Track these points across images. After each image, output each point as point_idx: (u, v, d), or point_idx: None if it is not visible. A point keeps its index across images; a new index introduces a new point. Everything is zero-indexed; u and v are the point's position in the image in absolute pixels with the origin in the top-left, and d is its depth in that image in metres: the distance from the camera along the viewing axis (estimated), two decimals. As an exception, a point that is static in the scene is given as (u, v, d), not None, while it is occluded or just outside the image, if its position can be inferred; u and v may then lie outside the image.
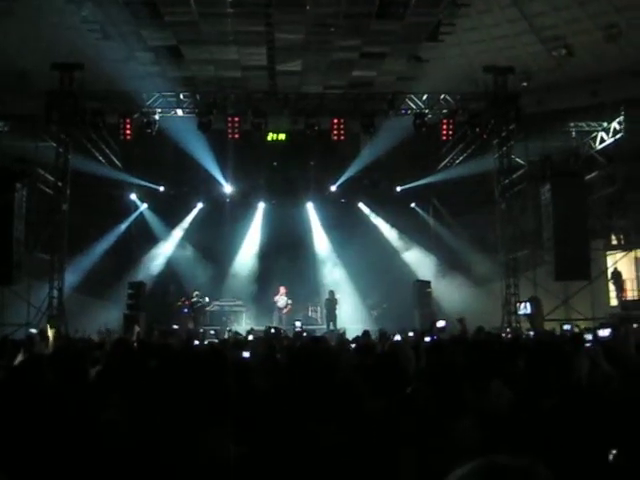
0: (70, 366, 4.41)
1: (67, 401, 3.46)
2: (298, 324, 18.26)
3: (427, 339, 10.96)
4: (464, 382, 3.79)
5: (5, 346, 10.18)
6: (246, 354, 9.36)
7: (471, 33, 18.80)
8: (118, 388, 4.19)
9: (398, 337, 12.65)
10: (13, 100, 19.33)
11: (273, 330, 14.50)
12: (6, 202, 17.89)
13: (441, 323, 16.66)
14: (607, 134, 20.01)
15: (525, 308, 18.53)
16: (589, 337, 9.61)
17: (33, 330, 17.17)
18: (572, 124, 19.96)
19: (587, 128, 20.21)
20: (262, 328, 17.64)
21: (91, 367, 5.21)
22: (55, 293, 18.34)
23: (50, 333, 14.97)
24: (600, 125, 20.11)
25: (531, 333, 15.85)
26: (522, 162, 20.00)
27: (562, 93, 20.09)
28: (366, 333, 13.04)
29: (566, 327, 15.90)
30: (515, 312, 18.73)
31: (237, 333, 15.62)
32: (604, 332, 10.05)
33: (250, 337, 13.86)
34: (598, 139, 20.32)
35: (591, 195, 19.93)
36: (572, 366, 4.51)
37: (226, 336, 15.41)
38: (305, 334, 14.22)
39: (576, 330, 15.14)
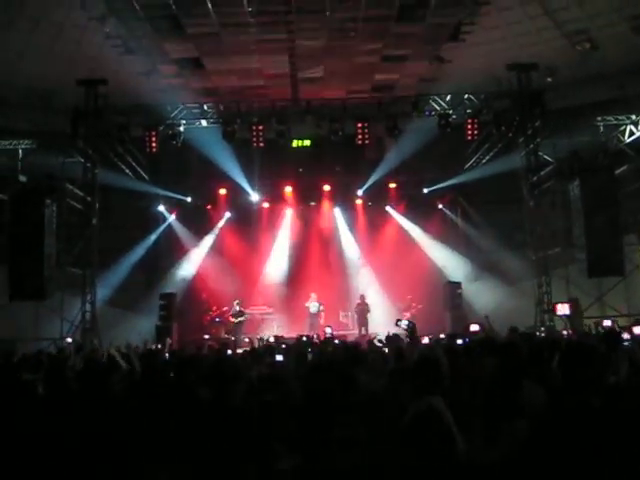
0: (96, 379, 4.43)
1: (90, 413, 3.47)
2: (329, 330, 18.24)
3: (459, 342, 10.86)
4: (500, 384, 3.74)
5: (40, 360, 10.29)
6: (279, 357, 9.39)
7: (493, 31, 18.63)
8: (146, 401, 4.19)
9: (426, 340, 12.54)
10: (39, 117, 19.62)
11: (305, 338, 14.46)
12: (37, 218, 18.15)
13: (475, 327, 16.52)
14: (636, 127, 19.71)
15: (563, 310, 18.30)
16: (626, 336, 9.42)
17: (69, 340, 17.43)
18: (599, 118, 19.66)
19: (615, 122, 19.91)
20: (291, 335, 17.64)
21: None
22: (88, 307, 18.54)
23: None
24: (628, 118, 19.81)
25: (564, 332, 15.64)
26: (550, 159, 19.77)
27: (588, 87, 19.81)
28: (395, 336, 12.93)
29: (606, 323, 15.62)
30: (548, 311, 18.50)
31: (268, 341, 15.58)
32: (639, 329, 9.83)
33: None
34: (627, 132, 20.01)
35: (622, 189, 19.60)
36: (606, 366, 4.42)
37: (256, 345, 15.38)
38: (336, 341, 14.12)
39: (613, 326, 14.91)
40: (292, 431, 3.23)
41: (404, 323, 6.69)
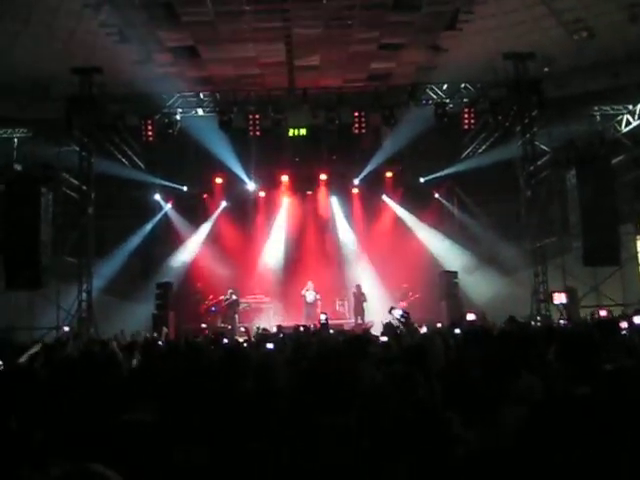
0: (98, 367, 4.42)
1: (92, 400, 3.47)
2: (323, 317, 18.33)
3: (457, 331, 10.88)
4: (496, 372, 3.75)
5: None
6: (270, 346, 9.40)
7: (490, 20, 18.55)
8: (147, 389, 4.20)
9: (424, 329, 12.56)
10: (34, 106, 19.52)
11: (302, 328, 14.48)
12: (32, 207, 18.09)
13: (471, 316, 16.59)
14: (633, 117, 19.71)
15: (560, 299, 18.34)
16: (624, 325, 9.43)
17: (66, 328, 17.45)
18: (596, 108, 19.65)
19: (612, 111, 19.90)
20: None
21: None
22: (84, 296, 18.53)
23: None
24: (625, 108, 19.81)
25: (562, 322, 15.70)
26: (546, 148, 19.75)
27: (585, 77, 19.80)
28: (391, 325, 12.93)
29: (603, 313, 15.68)
30: (545, 300, 18.55)
31: (264, 329, 15.60)
32: (639, 319, 9.82)
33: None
34: (624, 122, 20.02)
35: (618, 179, 19.62)
36: (602, 354, 4.43)
37: (253, 333, 15.40)
38: (331, 331, 14.15)
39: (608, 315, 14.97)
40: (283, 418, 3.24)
41: (398, 313, 6.68)
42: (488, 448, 2.73)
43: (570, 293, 18.49)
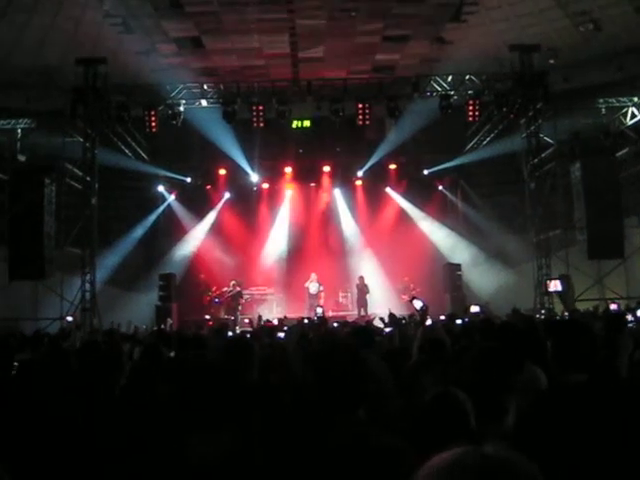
0: (100, 358, 4.42)
1: (95, 393, 3.47)
2: (319, 310, 18.39)
3: (458, 322, 10.88)
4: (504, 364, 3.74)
5: (40, 339, 10.33)
6: (281, 334, 9.45)
7: (495, 12, 18.47)
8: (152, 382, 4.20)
9: (429, 321, 12.54)
10: (38, 96, 19.47)
11: (306, 320, 14.51)
12: (36, 198, 18.10)
13: (475, 308, 16.58)
14: (638, 109, 19.63)
15: (556, 286, 18.30)
16: (630, 318, 9.42)
17: (69, 319, 17.50)
18: (601, 100, 19.58)
19: (617, 104, 19.82)
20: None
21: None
22: (87, 286, 18.53)
23: None
24: (631, 100, 19.72)
25: (566, 314, 15.67)
26: (551, 141, 19.68)
27: (590, 69, 19.67)
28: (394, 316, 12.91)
29: (613, 307, 15.65)
30: (547, 292, 18.51)
31: (267, 321, 15.65)
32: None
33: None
34: (629, 114, 19.94)
35: (623, 172, 19.56)
36: (599, 345, 4.43)
37: (256, 325, 15.44)
38: (335, 324, 14.16)
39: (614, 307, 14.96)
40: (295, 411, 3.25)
41: (418, 304, 6.66)
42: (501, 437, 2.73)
43: (566, 280, 18.41)
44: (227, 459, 2.70)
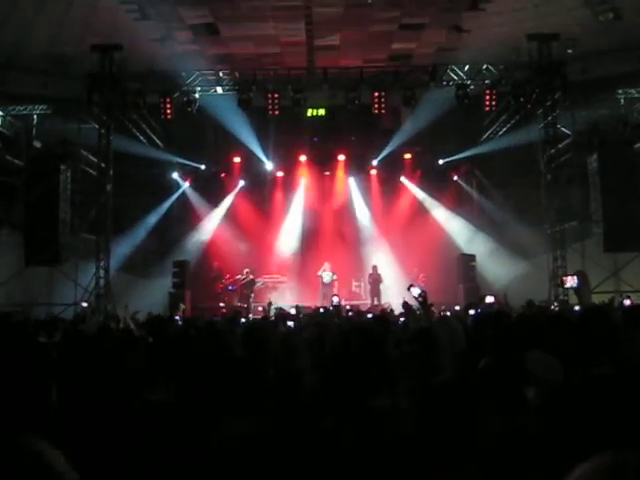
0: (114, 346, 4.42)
1: (111, 380, 3.47)
2: (336, 299, 18.36)
3: (471, 312, 10.82)
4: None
5: (56, 325, 10.38)
6: (290, 323, 9.44)
7: (513, 1, 18.29)
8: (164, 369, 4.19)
9: (447, 312, 12.54)
10: (54, 83, 19.54)
11: (322, 310, 14.50)
12: (51, 184, 18.19)
13: (490, 299, 16.51)
14: (657, 100, 19.43)
15: (572, 282, 18.19)
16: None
17: (84, 304, 17.62)
18: (620, 91, 19.37)
19: (636, 94, 19.60)
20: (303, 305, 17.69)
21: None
22: (101, 273, 18.63)
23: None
24: (650, 91, 19.51)
25: (576, 308, 15.56)
26: (568, 132, 19.52)
27: (609, 59, 19.43)
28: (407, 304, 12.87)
29: (627, 302, 15.52)
30: (563, 285, 18.40)
31: (281, 309, 15.64)
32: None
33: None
34: (648, 106, 19.73)
35: (640, 163, 19.36)
36: (622, 336, 4.38)
37: (271, 313, 15.45)
38: (350, 312, 14.14)
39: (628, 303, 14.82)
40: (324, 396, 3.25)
41: (416, 291, 6.64)
42: (515, 428, 2.70)
43: (582, 276, 18.30)
44: (247, 440, 2.72)
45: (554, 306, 17.21)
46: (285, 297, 22.39)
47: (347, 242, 23.90)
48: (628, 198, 18.13)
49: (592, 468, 1.17)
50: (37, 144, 19.24)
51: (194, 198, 24.43)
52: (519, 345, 4.35)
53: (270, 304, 17.44)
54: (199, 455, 2.70)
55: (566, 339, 4.68)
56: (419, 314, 8.26)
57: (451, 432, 2.62)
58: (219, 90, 19.98)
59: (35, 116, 19.54)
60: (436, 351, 4.44)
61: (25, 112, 19.52)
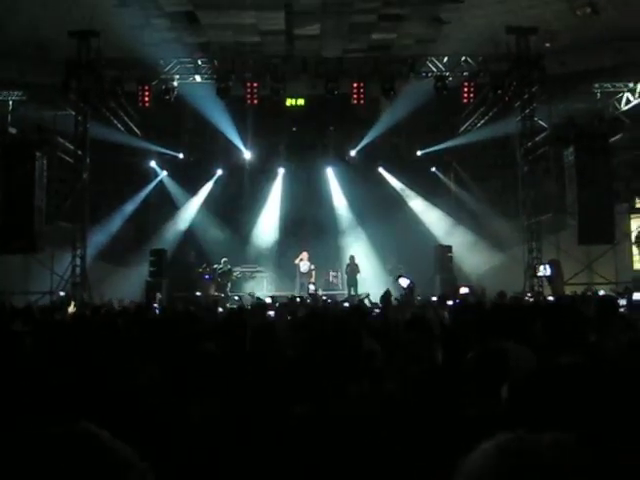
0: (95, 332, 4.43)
1: (97, 366, 3.50)
2: (312, 287, 18.44)
3: (449, 303, 10.93)
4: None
5: (31, 312, 10.33)
6: (271, 313, 9.49)
7: (493, -8, 18.38)
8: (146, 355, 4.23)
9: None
10: (31, 69, 19.30)
11: (298, 299, 14.56)
12: (27, 171, 17.99)
13: (464, 290, 16.66)
14: (633, 94, 19.62)
15: (545, 270, 18.40)
16: (622, 302, 9.50)
17: (62, 293, 17.51)
18: (597, 85, 19.54)
19: (612, 89, 19.80)
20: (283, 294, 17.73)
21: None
22: (78, 261, 18.50)
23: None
24: (626, 86, 19.71)
25: (550, 298, 15.76)
26: (545, 125, 19.69)
27: (587, 53, 19.61)
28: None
29: (601, 293, 15.74)
30: (537, 276, 18.60)
31: (259, 299, 15.67)
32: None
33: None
34: (624, 100, 19.93)
35: (616, 157, 19.60)
36: (594, 326, 4.48)
37: (248, 302, 15.47)
38: (329, 300, 14.21)
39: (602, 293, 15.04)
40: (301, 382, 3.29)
41: (405, 282, 6.70)
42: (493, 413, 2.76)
43: (554, 265, 18.50)
44: (219, 419, 2.77)
45: (528, 297, 17.40)
46: (263, 287, 22.41)
47: (325, 232, 23.90)
48: (603, 191, 18.36)
49: (497, 446, 1.11)
50: (12, 131, 18.99)
51: (172, 186, 24.32)
52: (495, 335, 4.43)
53: (252, 295, 17.46)
54: (168, 437, 2.74)
55: (538, 329, 4.77)
56: (399, 305, 8.35)
57: (432, 418, 2.68)
58: (198, 78, 19.85)
59: (11, 102, 19.28)
60: (432, 338, 4.51)
61: (0, 98, 19.26)
